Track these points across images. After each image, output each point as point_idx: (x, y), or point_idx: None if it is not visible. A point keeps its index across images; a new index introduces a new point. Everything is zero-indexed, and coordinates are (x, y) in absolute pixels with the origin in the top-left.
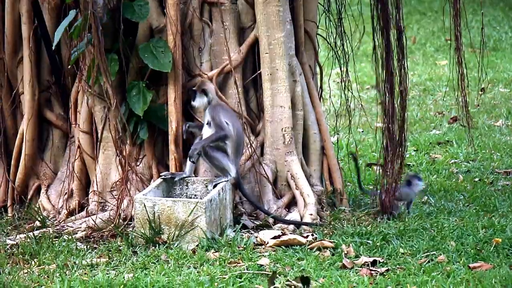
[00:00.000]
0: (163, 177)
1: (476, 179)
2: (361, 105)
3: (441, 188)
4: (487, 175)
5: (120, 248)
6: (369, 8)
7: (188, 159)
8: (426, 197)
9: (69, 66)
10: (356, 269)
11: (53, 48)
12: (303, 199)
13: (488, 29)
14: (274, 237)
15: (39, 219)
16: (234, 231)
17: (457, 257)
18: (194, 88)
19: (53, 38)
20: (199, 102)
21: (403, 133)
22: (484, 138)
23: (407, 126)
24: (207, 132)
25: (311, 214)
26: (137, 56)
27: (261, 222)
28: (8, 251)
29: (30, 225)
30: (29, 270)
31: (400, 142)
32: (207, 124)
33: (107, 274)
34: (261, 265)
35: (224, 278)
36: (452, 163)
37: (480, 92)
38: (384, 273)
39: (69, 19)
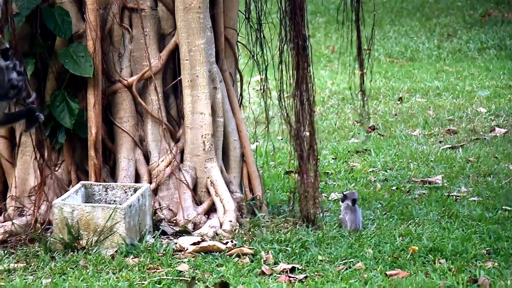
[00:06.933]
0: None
1: (394, 188)
2: (281, 112)
3: (359, 196)
4: (404, 183)
5: (38, 253)
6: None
7: None
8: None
9: None
10: (275, 276)
11: None
12: (223, 205)
13: (405, 39)
14: (194, 243)
15: None
16: (153, 237)
17: (375, 264)
18: None
19: None
20: None
21: (313, 141)
22: (401, 147)
23: (317, 134)
24: None
25: (230, 221)
26: (56, 61)
27: (180, 228)
28: None
29: None
30: None
31: (312, 150)
32: None
33: (25, 279)
34: (180, 271)
35: (143, 284)
36: (370, 171)
37: (397, 102)
38: (303, 280)
39: None
